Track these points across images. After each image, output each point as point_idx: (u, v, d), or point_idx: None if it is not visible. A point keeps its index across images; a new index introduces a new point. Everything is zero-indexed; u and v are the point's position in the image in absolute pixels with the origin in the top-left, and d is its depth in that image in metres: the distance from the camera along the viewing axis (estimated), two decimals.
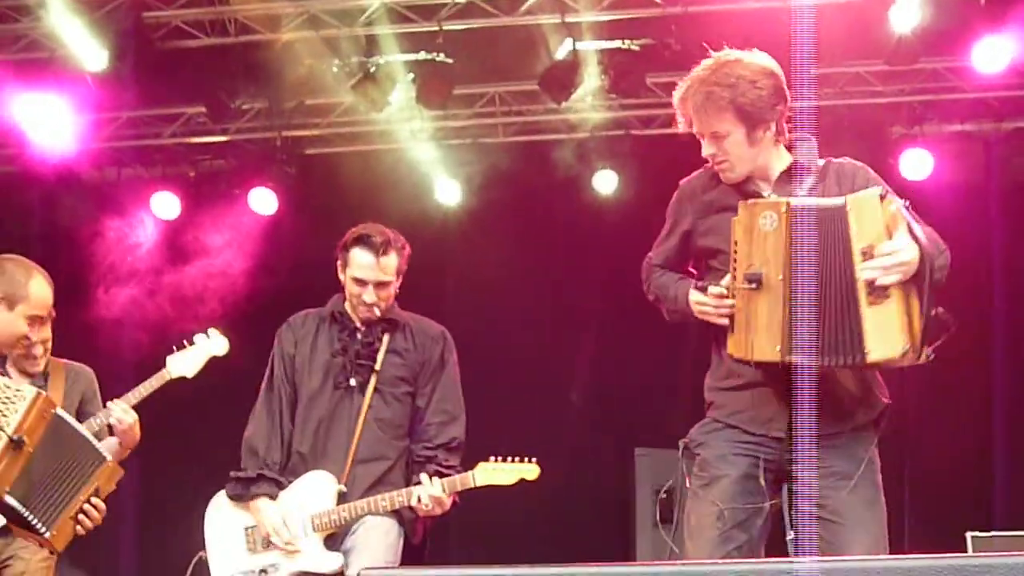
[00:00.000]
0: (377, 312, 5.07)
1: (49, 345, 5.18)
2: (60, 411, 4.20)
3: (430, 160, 9.27)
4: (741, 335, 3.66)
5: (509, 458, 4.99)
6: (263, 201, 9.19)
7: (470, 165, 9.20)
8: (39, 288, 4.68)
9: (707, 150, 3.90)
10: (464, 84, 8.71)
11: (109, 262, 8.53)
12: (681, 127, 3.93)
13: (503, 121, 9.31)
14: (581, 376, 9.37)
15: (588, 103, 8.70)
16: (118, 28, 7.91)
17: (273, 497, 5.03)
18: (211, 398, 6.98)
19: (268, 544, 5.03)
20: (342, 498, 4.98)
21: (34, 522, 4.01)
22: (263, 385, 5.25)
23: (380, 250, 4.98)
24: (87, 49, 7.86)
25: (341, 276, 5.15)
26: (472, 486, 4.97)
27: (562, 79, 8.22)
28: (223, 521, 5.18)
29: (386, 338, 5.14)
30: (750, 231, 3.63)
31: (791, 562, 2.38)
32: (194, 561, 5.34)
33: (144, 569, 9.35)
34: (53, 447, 4.06)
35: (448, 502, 4.94)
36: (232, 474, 5.15)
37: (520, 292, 9.18)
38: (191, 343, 5.67)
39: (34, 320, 4.69)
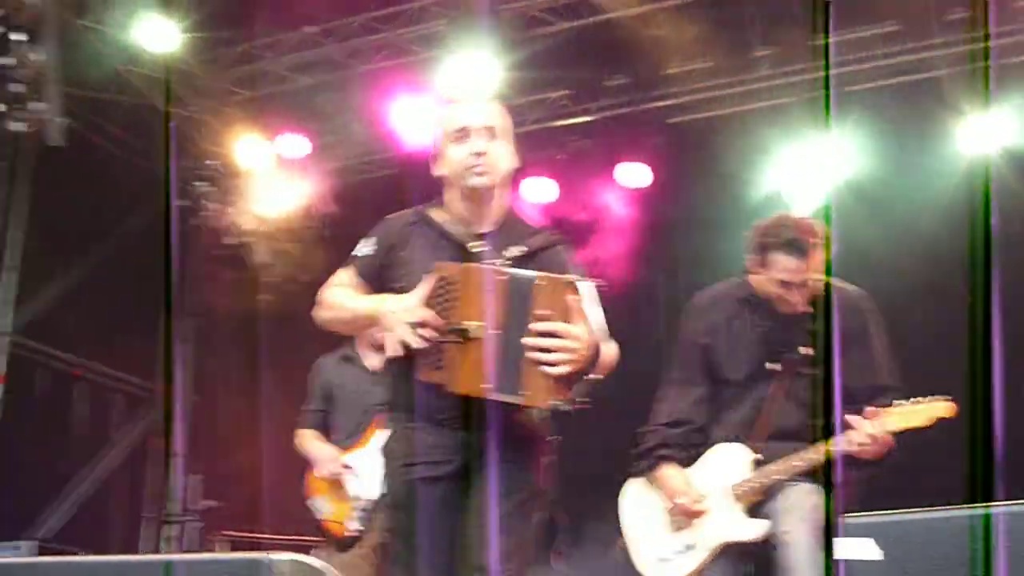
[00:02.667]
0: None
1: None
2: None
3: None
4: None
5: (917, 399, 4.79)
6: (634, 175, 9.59)
7: None
8: None
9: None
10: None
11: None
12: None
13: None
14: None
15: None
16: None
17: (682, 463, 5.09)
18: None
19: (690, 519, 5.06)
20: (758, 466, 4.98)
21: None
22: (676, 364, 5.30)
23: (802, 252, 4.94)
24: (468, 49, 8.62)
25: (761, 273, 5.10)
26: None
27: None
28: (640, 506, 5.28)
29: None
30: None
31: None
32: (618, 551, 5.44)
33: None
34: None
35: (885, 439, 4.74)
36: (633, 451, 5.27)
37: None
38: None
39: None
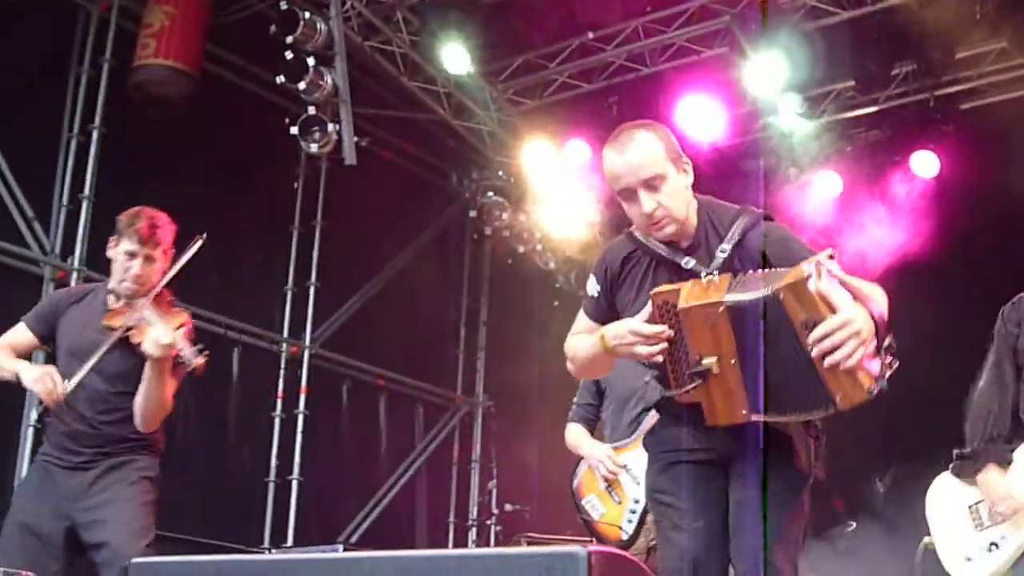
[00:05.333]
0: None
1: None
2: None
3: None
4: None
5: None
6: (925, 164, 9.51)
7: None
8: None
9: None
10: None
11: None
12: None
13: None
14: None
15: None
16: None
17: (1004, 464, 5.03)
18: None
19: (995, 517, 5.03)
20: None
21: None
22: (989, 359, 5.21)
23: None
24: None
25: None
26: None
27: None
28: (946, 503, 5.29)
29: None
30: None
31: None
32: (921, 548, 5.61)
33: None
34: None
35: None
36: (956, 452, 5.21)
37: None
38: None
39: None
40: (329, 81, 8.94)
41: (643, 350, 4.11)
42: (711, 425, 4.15)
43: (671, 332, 4.08)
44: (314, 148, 9.10)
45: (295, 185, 10.26)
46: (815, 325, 3.82)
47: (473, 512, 11.42)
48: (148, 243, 5.34)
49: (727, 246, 4.20)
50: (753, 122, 10.18)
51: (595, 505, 6.61)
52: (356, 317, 10.62)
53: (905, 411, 8.38)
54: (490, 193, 10.94)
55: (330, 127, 9.04)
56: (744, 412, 4.07)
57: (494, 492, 11.08)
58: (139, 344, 5.17)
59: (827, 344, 3.79)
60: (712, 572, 4.24)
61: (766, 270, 4.10)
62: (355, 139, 9.18)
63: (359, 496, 10.59)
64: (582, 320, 4.52)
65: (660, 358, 4.13)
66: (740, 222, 4.28)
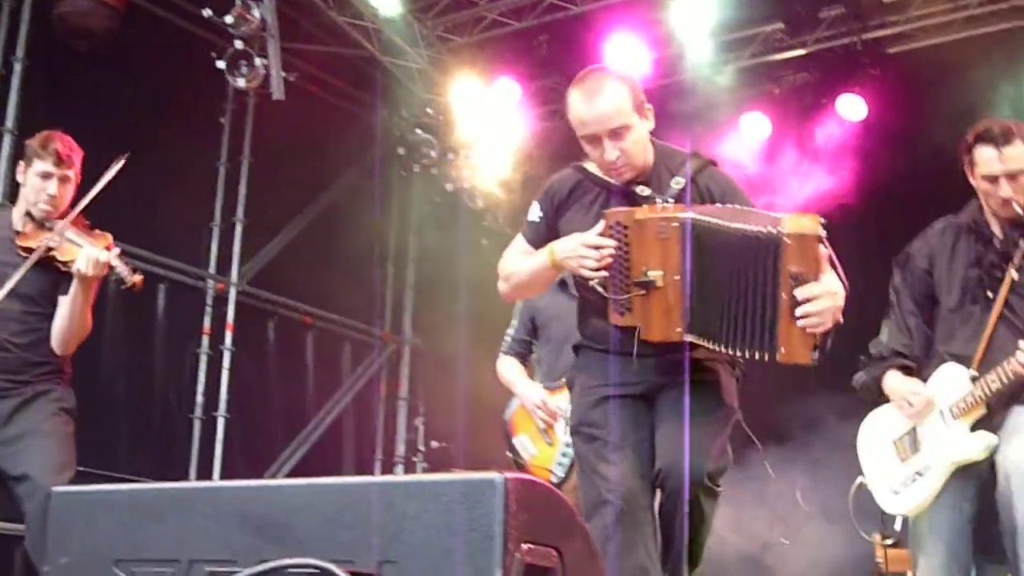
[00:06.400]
0: (1016, 208, 4.95)
1: None
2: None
3: None
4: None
5: None
6: (852, 107, 9.62)
7: None
8: None
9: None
10: None
11: None
12: None
13: None
14: None
15: None
16: None
17: (906, 371, 5.17)
18: None
19: (917, 446, 5.15)
20: (975, 382, 4.98)
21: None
22: (901, 289, 5.33)
23: (1001, 141, 4.92)
24: None
25: (972, 181, 5.10)
26: None
27: None
28: (873, 439, 5.40)
29: (1023, 244, 5.03)
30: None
31: None
32: (855, 486, 5.59)
33: None
34: None
35: None
36: (861, 358, 5.33)
37: None
38: None
39: None
40: (257, 15, 8.86)
41: (591, 263, 4.27)
42: (644, 339, 4.30)
43: (623, 248, 4.23)
44: (241, 83, 9.03)
45: (221, 120, 10.16)
46: (804, 282, 3.99)
47: (400, 449, 11.49)
48: (64, 164, 5.39)
49: (681, 179, 4.40)
50: (680, 63, 10.20)
51: (526, 446, 6.61)
52: (283, 254, 10.56)
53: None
54: (419, 130, 10.91)
55: (258, 62, 8.97)
56: (679, 331, 4.23)
57: (421, 429, 11.17)
58: (64, 263, 5.24)
59: (810, 307, 3.97)
60: (641, 502, 4.38)
61: (729, 205, 4.29)
62: (283, 74, 9.12)
63: (286, 433, 10.61)
64: (519, 243, 4.68)
65: (606, 273, 4.28)
66: (691, 163, 4.49)
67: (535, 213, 4.64)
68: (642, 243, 4.22)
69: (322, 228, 10.74)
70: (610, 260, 4.25)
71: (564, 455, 6.39)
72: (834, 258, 4.06)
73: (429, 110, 10.90)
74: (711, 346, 4.22)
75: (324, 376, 11.09)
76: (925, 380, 5.17)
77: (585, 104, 4.42)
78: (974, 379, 5.00)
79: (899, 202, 8.87)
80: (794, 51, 9.90)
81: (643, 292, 4.24)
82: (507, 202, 10.80)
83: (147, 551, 2.88)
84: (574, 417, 4.68)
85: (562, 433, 6.38)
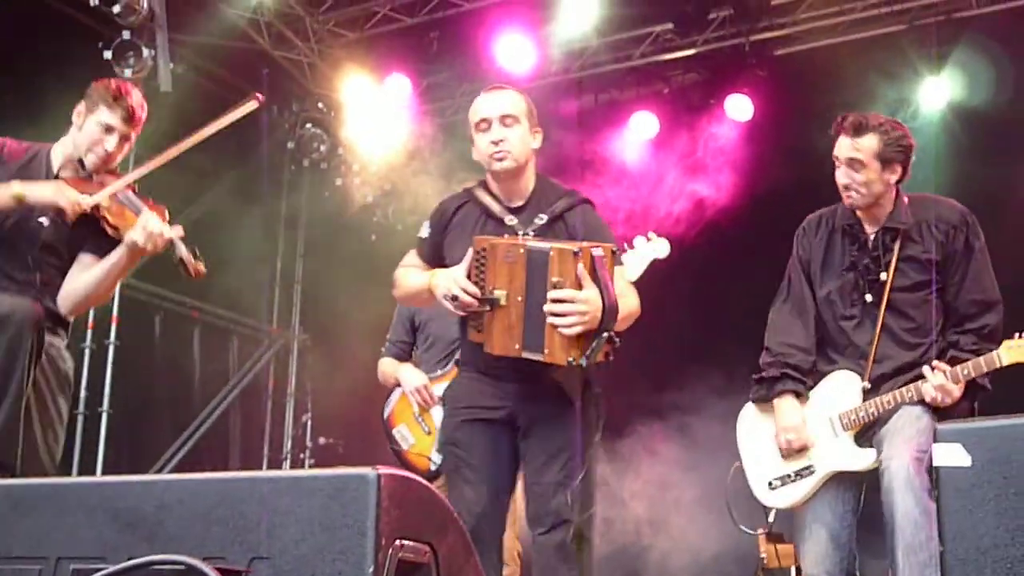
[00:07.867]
0: (855, 196, 5.03)
1: None
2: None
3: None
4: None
5: None
6: (739, 108, 9.75)
7: None
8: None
9: None
10: None
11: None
12: None
13: None
14: None
15: None
16: None
17: (798, 395, 5.21)
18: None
19: (801, 447, 5.17)
20: (867, 395, 5.06)
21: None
22: (782, 288, 5.41)
23: (853, 130, 4.95)
24: None
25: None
26: (998, 366, 4.85)
27: None
28: (753, 430, 5.43)
29: (896, 247, 5.10)
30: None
31: None
32: (732, 471, 5.59)
33: None
34: None
35: (956, 391, 4.86)
36: (754, 376, 5.37)
37: None
38: (631, 247, 6.45)
39: None
40: (145, 5, 8.75)
41: (454, 303, 4.65)
42: (487, 352, 4.68)
43: (481, 270, 4.64)
44: (128, 74, 8.88)
45: None
46: (560, 289, 4.43)
47: (287, 445, 11.41)
48: (131, 122, 5.07)
49: (545, 216, 4.83)
50: (570, 62, 10.25)
51: (405, 436, 6.68)
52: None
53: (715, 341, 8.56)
54: (309, 125, 10.89)
55: (145, 52, 8.86)
56: (517, 347, 4.57)
57: (308, 425, 11.09)
58: (113, 227, 4.88)
59: (556, 307, 4.41)
60: (493, 525, 4.78)
61: (568, 241, 4.70)
62: (171, 66, 9.01)
63: (172, 429, 10.48)
64: (412, 256, 5.10)
65: (454, 308, 4.69)
66: (564, 201, 4.92)
67: (425, 230, 5.05)
68: (494, 265, 4.61)
69: (211, 223, 10.58)
70: (473, 301, 4.61)
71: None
72: (606, 278, 4.43)
73: (320, 105, 10.86)
74: (533, 358, 4.53)
75: (211, 371, 10.96)
76: (817, 379, 5.25)
77: (485, 96, 4.94)
78: (866, 392, 5.09)
79: (782, 201, 9.01)
80: (683, 51, 10.03)
81: (488, 308, 4.62)
82: (396, 197, 10.78)
83: (15, 548, 2.84)
84: (442, 434, 5.12)
85: (439, 421, 6.34)
